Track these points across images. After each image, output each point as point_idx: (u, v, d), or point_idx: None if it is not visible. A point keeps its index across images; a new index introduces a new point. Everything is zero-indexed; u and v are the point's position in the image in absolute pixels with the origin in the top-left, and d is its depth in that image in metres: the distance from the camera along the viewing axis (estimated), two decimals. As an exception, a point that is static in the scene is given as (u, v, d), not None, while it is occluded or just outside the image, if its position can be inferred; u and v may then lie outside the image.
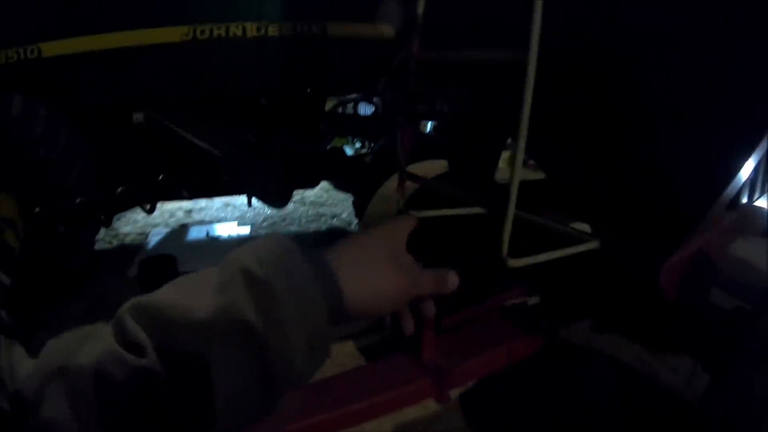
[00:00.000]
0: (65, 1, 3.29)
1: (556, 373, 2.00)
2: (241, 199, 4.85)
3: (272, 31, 3.35)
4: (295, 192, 4.11)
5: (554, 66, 1.37)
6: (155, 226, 4.96)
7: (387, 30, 3.50)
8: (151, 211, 3.70)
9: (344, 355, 2.77)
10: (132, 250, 4.46)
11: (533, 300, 2.00)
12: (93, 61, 3.33)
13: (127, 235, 4.76)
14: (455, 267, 0.86)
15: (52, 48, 3.30)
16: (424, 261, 0.82)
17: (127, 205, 3.93)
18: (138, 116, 3.54)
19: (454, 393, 1.93)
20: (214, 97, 3.50)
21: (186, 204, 5.34)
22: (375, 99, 4.09)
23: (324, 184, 5.29)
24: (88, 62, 3.33)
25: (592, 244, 1.42)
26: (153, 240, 4.71)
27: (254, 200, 4.03)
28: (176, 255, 3.77)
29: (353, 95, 4.19)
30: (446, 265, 0.84)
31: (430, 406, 2.05)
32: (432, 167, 2.85)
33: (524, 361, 1.76)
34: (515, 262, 1.37)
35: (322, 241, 4.60)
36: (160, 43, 3.27)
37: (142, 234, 4.78)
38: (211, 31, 3.26)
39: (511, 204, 1.33)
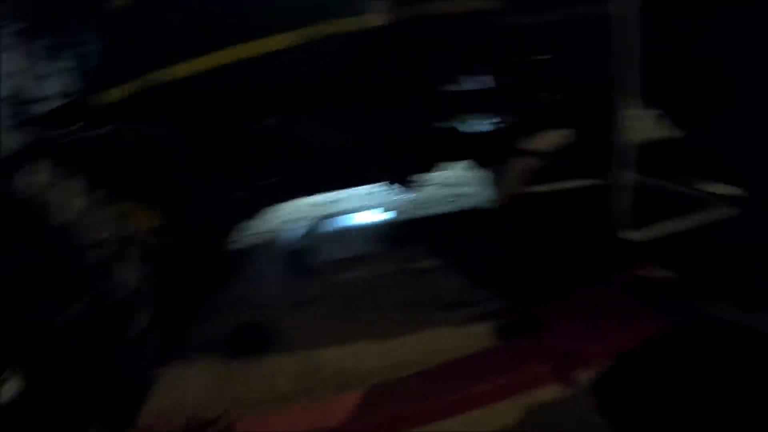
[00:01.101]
0: (185, 27, 3.63)
1: (695, 351, 1.78)
2: (383, 186, 4.94)
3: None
4: (431, 174, 4.11)
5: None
6: (298, 218, 5.24)
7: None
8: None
9: (472, 336, 2.74)
10: (275, 243, 4.78)
11: (661, 275, 1.80)
12: (215, 78, 3.63)
13: (270, 229, 5.07)
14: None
15: (176, 71, 3.68)
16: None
17: (257, 209, 4.26)
18: (269, 121, 3.79)
19: (586, 375, 1.83)
20: (336, 90, 3.61)
21: (330, 194, 5.55)
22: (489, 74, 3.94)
23: (460, 164, 5.25)
24: (211, 79, 3.64)
25: (730, 211, 1.25)
26: (296, 231, 5.03)
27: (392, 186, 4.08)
28: (319, 245, 3.94)
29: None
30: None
31: (560, 388, 1.95)
32: (554, 138, 2.71)
33: (656, 339, 1.61)
34: (637, 235, 1.25)
35: (462, 222, 4.61)
36: (272, 51, 3.47)
37: (285, 226, 5.08)
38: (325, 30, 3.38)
39: (629, 170, 1.22)
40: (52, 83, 4.18)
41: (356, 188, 5.55)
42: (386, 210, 5.10)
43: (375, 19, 3.37)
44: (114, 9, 3.84)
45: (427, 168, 4.21)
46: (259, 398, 2.46)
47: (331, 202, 5.55)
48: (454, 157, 4.50)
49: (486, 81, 3.97)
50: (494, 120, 4.02)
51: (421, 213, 4.95)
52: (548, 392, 1.92)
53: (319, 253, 3.88)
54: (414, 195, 5.15)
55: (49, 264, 2.57)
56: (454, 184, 5.57)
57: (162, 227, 3.63)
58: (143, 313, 2.82)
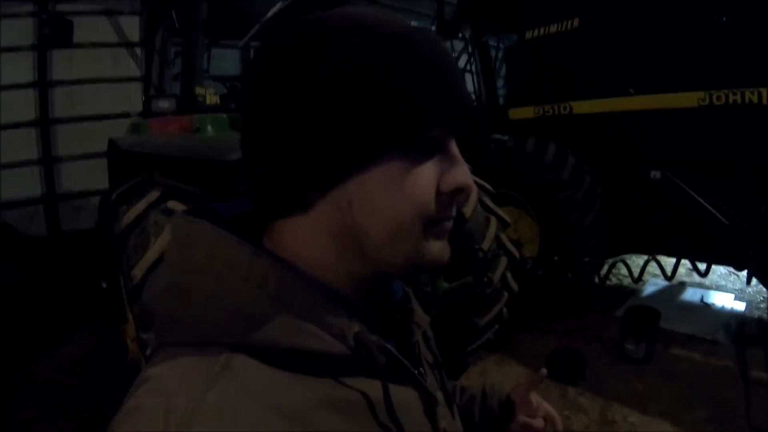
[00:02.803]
0: (596, 67, 3.88)
1: None
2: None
3: None
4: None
5: None
6: (655, 275, 5.01)
7: None
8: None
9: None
10: (623, 293, 4.76)
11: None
12: (617, 121, 3.80)
13: (625, 276, 4.97)
14: None
15: (582, 106, 3.98)
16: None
17: (625, 252, 4.28)
18: (655, 174, 3.78)
19: None
20: (728, 164, 3.37)
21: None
22: None
23: None
24: (613, 121, 3.82)
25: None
26: (648, 289, 4.84)
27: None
28: (664, 310, 3.80)
29: None
30: None
31: None
32: None
33: None
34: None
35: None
36: (678, 108, 3.42)
37: (640, 280, 4.92)
38: (727, 97, 3.17)
39: None
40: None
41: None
42: (741, 299, 4.45)
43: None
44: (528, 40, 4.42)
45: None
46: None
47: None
48: None
49: None
50: None
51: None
52: None
53: (666, 319, 3.75)
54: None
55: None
56: None
57: (538, 240, 4.09)
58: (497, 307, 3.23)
